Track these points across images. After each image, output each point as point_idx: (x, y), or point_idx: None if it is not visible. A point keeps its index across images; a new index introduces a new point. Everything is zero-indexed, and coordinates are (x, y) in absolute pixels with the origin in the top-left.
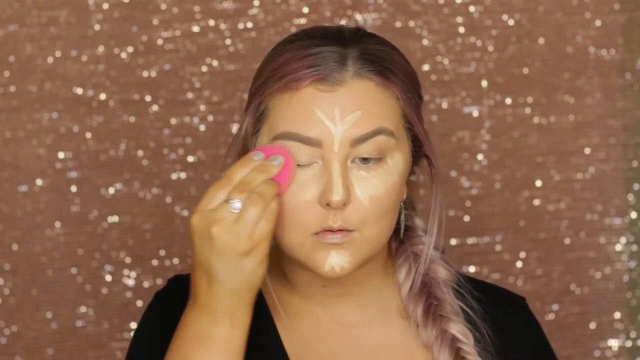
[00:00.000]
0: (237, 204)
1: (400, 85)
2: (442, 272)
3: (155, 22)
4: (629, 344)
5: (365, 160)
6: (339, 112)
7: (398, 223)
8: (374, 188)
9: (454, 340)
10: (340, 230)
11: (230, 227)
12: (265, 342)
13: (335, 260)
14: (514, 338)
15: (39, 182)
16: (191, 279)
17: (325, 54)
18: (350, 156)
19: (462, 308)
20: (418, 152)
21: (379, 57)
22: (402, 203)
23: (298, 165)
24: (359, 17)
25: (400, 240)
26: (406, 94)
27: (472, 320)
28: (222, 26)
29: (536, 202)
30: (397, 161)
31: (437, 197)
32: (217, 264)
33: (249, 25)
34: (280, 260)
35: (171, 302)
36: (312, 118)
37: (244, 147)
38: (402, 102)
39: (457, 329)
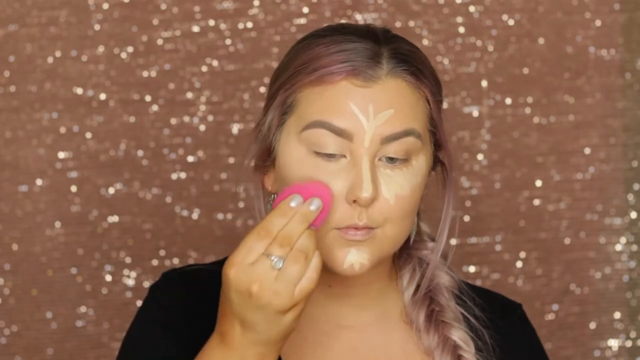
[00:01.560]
0: (278, 262)
1: (430, 87)
2: (445, 279)
3: (155, 22)
4: (629, 344)
5: (391, 159)
6: (372, 108)
7: None
8: (400, 187)
9: (455, 347)
10: (364, 227)
11: (271, 285)
12: None
13: (354, 258)
14: (512, 345)
15: (39, 182)
16: (221, 319)
17: (359, 50)
18: (379, 154)
19: (463, 315)
20: (435, 157)
21: (411, 57)
22: None
23: (325, 155)
24: (359, 17)
25: (405, 244)
26: (435, 96)
27: (474, 327)
28: (222, 26)
29: (536, 202)
30: (422, 163)
31: (449, 204)
32: (254, 318)
33: (249, 25)
34: None
35: (170, 300)
36: (347, 111)
37: (267, 143)
38: (431, 104)
39: (459, 335)
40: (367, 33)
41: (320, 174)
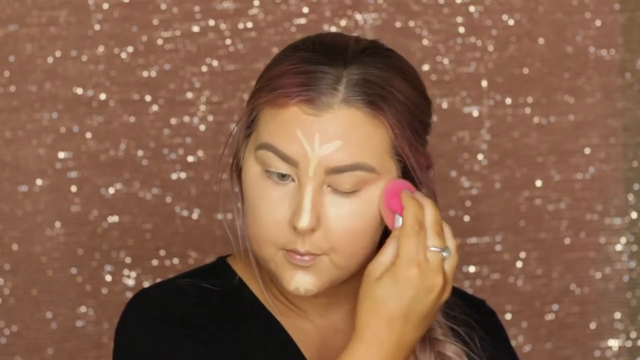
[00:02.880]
0: (446, 252)
1: (395, 115)
2: None
3: (155, 22)
4: (629, 344)
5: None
6: (318, 139)
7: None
8: (347, 215)
9: None
10: (306, 254)
11: (450, 276)
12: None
13: (300, 282)
14: (489, 340)
15: (39, 182)
16: (372, 322)
17: (319, 75)
18: (326, 182)
19: (453, 329)
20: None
21: (374, 83)
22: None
23: (276, 174)
24: (359, 17)
25: None
26: (399, 125)
27: (463, 340)
28: (222, 26)
29: (536, 202)
30: (379, 192)
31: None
32: (427, 310)
33: (249, 25)
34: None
35: (174, 310)
36: (293, 138)
37: (236, 152)
38: (393, 134)
39: (452, 350)
40: (340, 52)
41: (268, 197)
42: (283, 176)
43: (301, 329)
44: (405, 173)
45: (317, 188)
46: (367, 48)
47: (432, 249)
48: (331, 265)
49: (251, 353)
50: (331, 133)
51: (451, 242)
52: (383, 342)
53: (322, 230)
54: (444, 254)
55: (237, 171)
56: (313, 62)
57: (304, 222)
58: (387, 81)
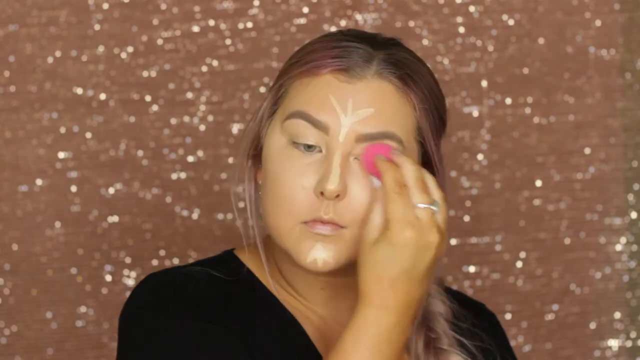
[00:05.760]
0: (435, 206)
1: (420, 96)
2: (439, 307)
3: (155, 22)
4: (629, 344)
5: None
6: (351, 104)
7: None
8: (372, 190)
9: None
10: (330, 222)
11: (443, 229)
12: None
13: (319, 253)
14: (493, 345)
15: (39, 182)
16: (374, 287)
17: (352, 49)
18: (354, 153)
19: (459, 340)
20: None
21: (404, 63)
22: None
23: (303, 145)
24: (359, 17)
25: None
26: (424, 106)
27: (469, 351)
28: (222, 26)
29: (536, 202)
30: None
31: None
32: (426, 267)
33: (249, 25)
34: (280, 266)
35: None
36: (326, 103)
37: (257, 133)
38: (419, 112)
39: None
40: (369, 38)
41: (294, 165)
42: (309, 147)
43: (309, 319)
44: (425, 163)
45: (345, 157)
46: (392, 39)
47: (420, 206)
48: (350, 240)
49: (264, 337)
50: (364, 101)
51: (437, 194)
52: (390, 305)
53: (347, 201)
54: (433, 208)
55: (254, 155)
56: (346, 41)
57: (333, 183)
58: (416, 66)
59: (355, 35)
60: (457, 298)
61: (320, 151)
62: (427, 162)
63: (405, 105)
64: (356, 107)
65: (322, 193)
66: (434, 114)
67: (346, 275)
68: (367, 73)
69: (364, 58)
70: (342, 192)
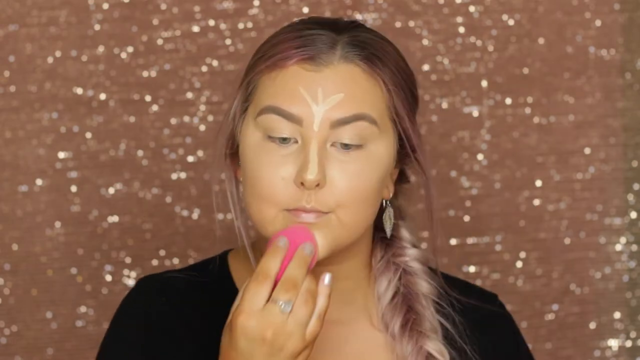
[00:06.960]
0: (286, 306)
1: (389, 75)
2: (423, 286)
3: (155, 22)
4: (629, 344)
5: (346, 146)
6: (321, 92)
7: (384, 231)
8: (353, 173)
9: (428, 357)
10: (313, 210)
11: (285, 329)
12: None
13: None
14: (496, 341)
15: (39, 182)
16: None
17: (315, 37)
18: (330, 139)
19: (441, 323)
20: (407, 152)
21: (368, 44)
22: (388, 202)
23: (279, 139)
24: (359, 17)
25: (384, 249)
26: (394, 84)
27: (451, 336)
28: (222, 26)
29: (536, 202)
30: (381, 151)
31: (431, 211)
32: None
33: (249, 25)
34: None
35: (144, 313)
36: (296, 95)
37: (231, 131)
38: (389, 92)
39: (434, 346)
40: (330, 24)
41: (271, 158)
42: (284, 140)
43: None
44: (401, 141)
45: (322, 145)
46: (354, 21)
47: (279, 302)
48: (337, 223)
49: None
50: (333, 87)
51: (320, 310)
52: None
53: (328, 188)
54: (284, 306)
55: (232, 153)
56: (307, 29)
57: (312, 173)
58: (381, 45)
59: (317, 22)
60: (463, 289)
61: (297, 142)
62: (404, 141)
63: (374, 85)
64: (326, 95)
65: (302, 183)
66: (405, 91)
67: (336, 263)
68: (332, 59)
69: (328, 44)
70: (321, 181)
